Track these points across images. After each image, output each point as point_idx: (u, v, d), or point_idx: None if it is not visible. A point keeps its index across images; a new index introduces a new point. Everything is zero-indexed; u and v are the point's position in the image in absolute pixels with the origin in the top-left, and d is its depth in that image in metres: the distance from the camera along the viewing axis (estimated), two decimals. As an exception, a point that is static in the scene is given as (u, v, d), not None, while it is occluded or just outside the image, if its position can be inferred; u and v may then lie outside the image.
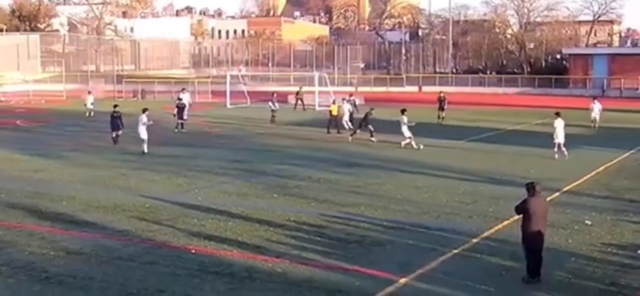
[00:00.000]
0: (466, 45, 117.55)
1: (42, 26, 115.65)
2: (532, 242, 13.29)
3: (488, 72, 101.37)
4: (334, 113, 39.22)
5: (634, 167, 27.87)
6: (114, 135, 33.34)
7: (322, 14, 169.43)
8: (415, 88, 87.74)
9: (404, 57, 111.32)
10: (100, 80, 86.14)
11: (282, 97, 54.05)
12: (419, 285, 13.28)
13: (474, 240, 16.29)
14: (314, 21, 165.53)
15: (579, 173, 25.47)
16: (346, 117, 40.02)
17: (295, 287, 13.07)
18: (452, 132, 35.52)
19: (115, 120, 33.29)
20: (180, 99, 41.97)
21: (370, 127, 34.75)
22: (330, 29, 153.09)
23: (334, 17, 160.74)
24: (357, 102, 46.81)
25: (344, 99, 42.24)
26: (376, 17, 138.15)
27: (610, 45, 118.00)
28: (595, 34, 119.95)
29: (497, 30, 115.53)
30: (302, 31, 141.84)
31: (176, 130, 39.07)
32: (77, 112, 50.23)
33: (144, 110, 31.40)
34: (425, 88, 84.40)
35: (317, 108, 54.04)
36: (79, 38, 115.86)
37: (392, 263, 14.54)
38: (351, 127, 39.14)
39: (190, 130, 39.86)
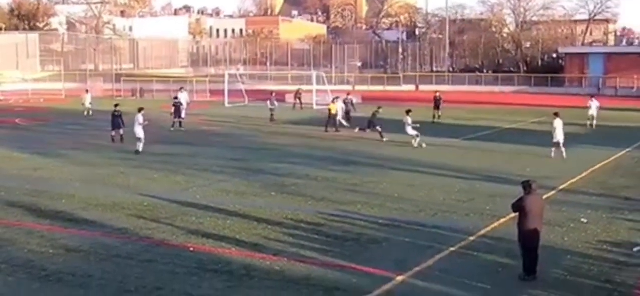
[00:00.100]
0: (463, 45, 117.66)
1: (41, 25, 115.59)
2: (529, 240, 13.33)
3: (485, 71, 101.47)
4: (333, 111, 39.31)
5: (629, 165, 27.97)
6: (114, 133, 33.44)
7: (320, 13, 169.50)
8: (412, 87, 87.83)
9: (401, 56, 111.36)
10: (99, 79, 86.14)
11: (281, 96, 54.09)
12: (415, 283, 13.33)
13: (471, 238, 16.35)
14: (312, 20, 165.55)
15: (575, 171, 25.54)
16: (340, 116, 40.09)
17: (293, 285, 13.12)
18: (448, 131, 35.63)
19: (116, 119, 33.38)
20: (176, 98, 42.08)
21: (379, 127, 34.59)
22: (328, 28, 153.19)
23: (332, 17, 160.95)
24: (355, 101, 46.85)
25: (338, 98, 42.37)
26: (373, 17, 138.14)
27: (606, 44, 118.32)
28: (591, 33, 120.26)
29: (494, 29, 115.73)
30: (299, 30, 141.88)
31: (173, 129, 39.11)
32: (76, 110, 50.25)
33: (140, 110, 31.35)
34: (422, 87, 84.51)
35: (315, 107, 54.08)
36: (77, 37, 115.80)
37: (389, 260, 14.59)
38: (346, 125, 39.28)
39: (189, 129, 39.90)
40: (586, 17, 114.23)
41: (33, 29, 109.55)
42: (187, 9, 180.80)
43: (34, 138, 36.66)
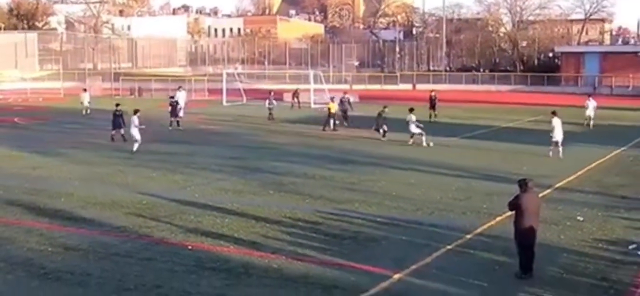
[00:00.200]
0: (460, 44, 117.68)
1: (39, 24, 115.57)
2: (525, 238, 13.40)
3: (481, 70, 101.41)
4: (333, 110, 39.42)
5: (625, 164, 28.07)
6: (114, 132, 33.47)
7: (317, 13, 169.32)
8: (409, 86, 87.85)
9: (398, 56, 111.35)
10: (98, 78, 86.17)
11: (278, 95, 54.14)
12: (413, 281, 13.40)
13: (468, 236, 16.42)
14: (309, 20, 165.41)
15: (571, 170, 25.62)
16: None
17: (291, 283, 13.19)
18: (445, 130, 35.67)
19: (117, 119, 33.41)
20: (172, 97, 42.14)
21: (385, 126, 34.47)
22: (325, 27, 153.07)
23: (329, 16, 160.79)
24: (352, 100, 46.90)
25: (334, 98, 42.52)
26: (371, 16, 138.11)
27: (601, 43, 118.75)
28: (586, 33, 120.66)
29: (490, 28, 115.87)
30: (297, 29, 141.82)
31: (170, 128, 39.17)
32: (74, 109, 50.24)
33: (136, 111, 31.20)
34: (419, 86, 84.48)
35: (312, 106, 54.13)
36: (76, 36, 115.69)
37: (386, 258, 14.66)
38: (343, 123, 39.36)
39: (187, 127, 39.95)
40: (582, 16, 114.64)
41: (32, 28, 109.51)
42: (185, 8, 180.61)
43: (33, 137, 36.68)
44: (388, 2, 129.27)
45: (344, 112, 41.30)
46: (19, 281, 13.35)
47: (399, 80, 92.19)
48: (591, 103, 42.08)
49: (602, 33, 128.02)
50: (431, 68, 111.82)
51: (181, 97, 46.53)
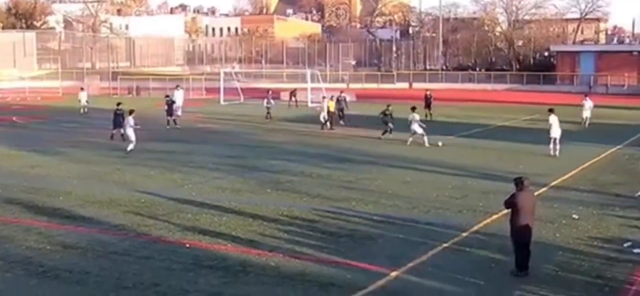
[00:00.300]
0: (456, 43, 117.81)
1: (38, 24, 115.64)
2: (521, 236, 13.47)
3: (477, 69, 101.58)
4: (331, 109, 39.53)
5: (620, 162, 28.17)
6: (115, 131, 33.47)
7: (315, 12, 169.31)
8: (406, 85, 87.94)
9: (394, 55, 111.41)
10: (96, 77, 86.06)
11: (275, 94, 54.21)
12: (409, 278, 13.45)
13: (464, 234, 16.49)
14: (307, 19, 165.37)
15: (566, 168, 25.71)
16: (325, 113, 40.38)
17: (288, 281, 13.24)
18: (442, 128, 35.71)
19: (118, 118, 33.38)
20: (167, 96, 42.20)
21: (390, 125, 34.30)
22: (323, 26, 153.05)
23: (326, 15, 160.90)
24: (348, 99, 46.99)
25: (324, 97, 42.67)
26: (367, 15, 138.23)
27: (596, 42, 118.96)
28: (582, 32, 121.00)
29: (486, 28, 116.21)
30: (294, 29, 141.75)
31: (168, 127, 39.23)
32: (72, 108, 50.21)
33: (131, 112, 31.09)
34: (415, 85, 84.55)
35: (309, 105, 54.21)
36: (74, 35, 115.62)
37: (383, 256, 14.73)
38: (338, 122, 39.44)
39: (185, 126, 39.98)
40: (577, 15, 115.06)
41: (30, 27, 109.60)
42: (183, 7, 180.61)
43: (31, 135, 36.70)
44: (385, 1, 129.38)
45: (341, 110, 41.44)
46: (17, 279, 13.38)
47: (395, 79, 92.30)
48: (588, 103, 41.99)
49: (597, 32, 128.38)
50: (428, 67, 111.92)
51: (179, 96, 46.62)
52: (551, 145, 28.96)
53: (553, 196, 20.88)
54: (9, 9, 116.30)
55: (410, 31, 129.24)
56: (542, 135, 29.98)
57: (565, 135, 29.98)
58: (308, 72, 62.50)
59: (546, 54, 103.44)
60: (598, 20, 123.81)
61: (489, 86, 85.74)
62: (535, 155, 29.03)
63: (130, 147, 29.86)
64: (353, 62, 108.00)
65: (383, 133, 34.15)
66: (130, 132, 30.27)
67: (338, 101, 42.03)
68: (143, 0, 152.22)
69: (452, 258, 14.80)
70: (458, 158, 28.51)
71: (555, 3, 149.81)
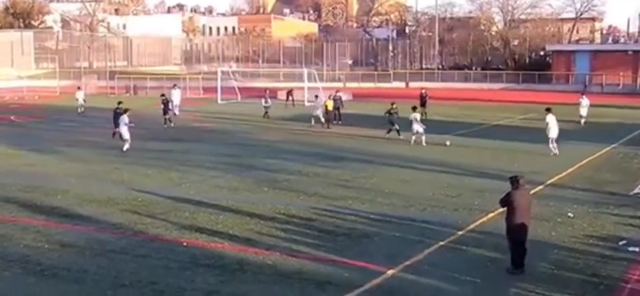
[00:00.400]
0: (452, 42, 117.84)
1: (35, 23, 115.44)
2: (516, 234, 13.54)
3: (473, 68, 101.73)
4: (329, 108, 39.59)
5: (615, 161, 28.28)
6: (116, 130, 33.38)
7: (311, 12, 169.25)
8: (402, 84, 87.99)
9: (391, 54, 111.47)
10: (93, 76, 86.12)
11: (272, 93, 54.21)
12: (405, 276, 13.51)
13: (460, 232, 16.57)
14: (303, 18, 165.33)
15: (562, 166, 25.81)
16: (319, 112, 40.47)
17: (285, 279, 13.30)
18: (438, 127, 35.78)
19: (118, 117, 33.34)
20: (163, 95, 42.21)
21: (396, 125, 34.13)
22: (319, 26, 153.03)
23: (323, 15, 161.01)
24: (344, 98, 47.07)
25: (316, 96, 42.72)
26: (364, 15, 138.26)
27: (592, 42, 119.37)
28: (577, 31, 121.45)
29: (482, 27, 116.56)
30: (291, 28, 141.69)
31: (165, 126, 39.27)
32: (70, 107, 50.14)
33: (125, 111, 30.99)
34: (412, 84, 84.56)
35: (306, 104, 54.23)
36: (72, 35, 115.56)
37: (379, 255, 14.79)
38: (323, 121, 39.58)
39: (182, 125, 40.03)
40: (573, 15, 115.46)
41: (28, 26, 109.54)
42: (180, 7, 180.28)
43: (29, 134, 36.70)
44: (381, 1, 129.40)
45: (337, 109, 41.51)
46: (15, 278, 13.42)
47: (392, 79, 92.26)
48: (584, 102, 42.01)
49: (592, 32, 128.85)
50: (424, 66, 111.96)
51: (176, 95, 46.71)
52: (550, 145, 28.89)
53: (549, 194, 20.98)
54: (6, 8, 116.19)
55: (407, 30, 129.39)
56: (537, 134, 30.04)
57: (562, 134, 30.04)
58: (305, 71, 62.47)
59: (542, 53, 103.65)
60: (593, 19, 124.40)
61: (485, 85, 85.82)
62: (531, 154, 29.12)
63: (126, 146, 29.82)
64: (350, 62, 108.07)
65: (388, 132, 34.08)
66: (125, 131, 30.19)
67: (334, 100, 42.09)
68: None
69: (449, 256, 14.86)
70: (454, 157, 28.56)
71: (551, 2, 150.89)
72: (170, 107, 41.26)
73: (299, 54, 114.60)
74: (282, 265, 14.09)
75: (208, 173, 24.68)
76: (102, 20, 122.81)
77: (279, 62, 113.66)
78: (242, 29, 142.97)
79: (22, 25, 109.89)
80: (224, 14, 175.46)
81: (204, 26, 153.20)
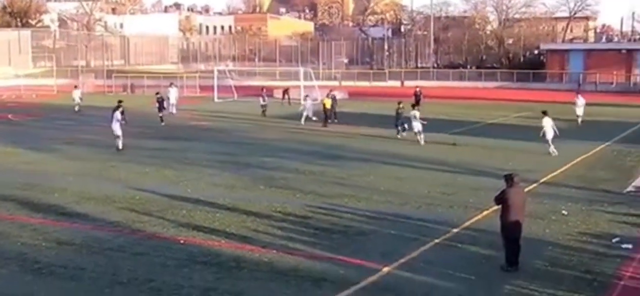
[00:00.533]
0: (447, 41, 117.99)
1: (33, 22, 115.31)
2: (511, 232, 13.60)
3: (468, 67, 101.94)
4: (327, 106, 39.68)
5: (608, 159, 28.39)
6: None
7: (307, 11, 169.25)
8: (397, 83, 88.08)
9: (386, 53, 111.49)
10: (91, 75, 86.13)
11: (268, 92, 54.27)
12: (401, 274, 13.57)
13: (455, 230, 16.64)
14: (299, 17, 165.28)
15: (556, 164, 25.92)
16: (310, 113, 40.57)
17: (281, 276, 13.35)
18: (433, 126, 35.89)
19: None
20: (158, 93, 42.25)
21: (405, 124, 34.14)
22: (315, 25, 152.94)
23: (319, 14, 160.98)
24: (338, 97, 47.18)
25: (307, 96, 42.79)
26: (359, 14, 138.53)
27: (585, 40, 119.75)
28: (571, 30, 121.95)
29: (477, 26, 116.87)
30: (287, 27, 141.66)
31: (163, 124, 39.34)
32: (67, 106, 50.14)
33: (118, 107, 30.65)
34: (407, 83, 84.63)
35: (302, 102, 54.23)
36: (69, 34, 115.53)
37: (375, 252, 14.86)
38: (314, 120, 39.76)
39: (179, 124, 40.10)
40: (567, 14, 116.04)
41: (25, 25, 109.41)
42: (177, 6, 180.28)
43: (27, 133, 36.74)
44: (377, 0, 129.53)
45: (333, 107, 41.56)
46: (12, 275, 13.46)
47: (387, 77, 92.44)
48: (580, 101, 41.93)
49: (586, 31, 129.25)
50: (419, 65, 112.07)
51: (173, 93, 46.76)
52: (550, 149, 28.64)
53: (543, 192, 21.06)
54: (4, 7, 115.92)
55: (402, 29, 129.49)
56: (532, 133, 30.10)
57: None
58: (301, 70, 62.52)
59: (536, 52, 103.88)
60: (587, 18, 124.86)
61: (479, 84, 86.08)
62: (526, 152, 29.21)
63: (119, 143, 29.60)
64: (345, 60, 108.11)
65: (398, 133, 34.05)
66: (116, 127, 29.95)
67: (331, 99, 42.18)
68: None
69: (443, 253, 14.93)
70: (449, 155, 28.68)
71: (545, 2, 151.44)
72: (164, 105, 41.31)
73: (295, 52, 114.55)
74: (278, 263, 14.13)
75: (205, 171, 24.72)
76: (99, 19, 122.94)
77: (275, 60, 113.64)
78: (239, 28, 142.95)
79: (19, 24, 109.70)
80: (220, 13, 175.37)
81: (200, 25, 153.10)
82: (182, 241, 15.60)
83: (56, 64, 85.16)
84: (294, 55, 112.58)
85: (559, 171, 24.86)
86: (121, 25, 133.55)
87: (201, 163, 26.49)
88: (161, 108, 40.33)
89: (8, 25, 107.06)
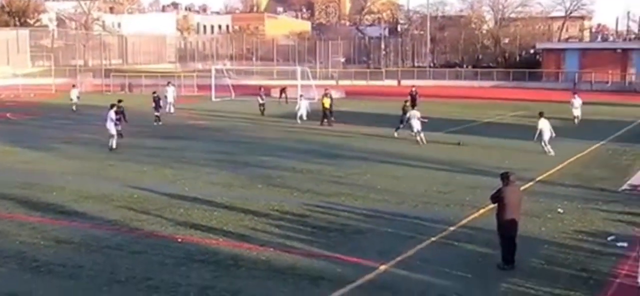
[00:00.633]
0: (443, 40, 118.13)
1: (31, 21, 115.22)
2: (507, 230, 13.64)
3: (464, 66, 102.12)
4: (326, 105, 39.75)
5: (604, 158, 28.48)
6: (118, 129, 33.36)
7: (304, 10, 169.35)
8: (394, 82, 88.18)
9: (383, 52, 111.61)
10: (89, 74, 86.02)
11: (266, 91, 54.32)
12: (397, 272, 13.61)
13: (451, 228, 16.69)
14: (297, 17, 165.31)
15: (552, 163, 26.01)
16: (303, 112, 40.63)
17: (279, 274, 13.39)
18: (429, 124, 35.95)
19: (118, 115, 33.30)
20: (154, 92, 42.26)
21: (402, 124, 34.02)
22: (312, 24, 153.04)
23: (316, 13, 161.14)
24: (334, 96, 47.24)
25: (301, 96, 42.80)
26: (356, 13, 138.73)
27: (581, 40, 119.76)
28: (567, 30, 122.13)
29: (473, 25, 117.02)
30: (284, 26, 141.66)
31: (161, 123, 39.36)
32: (65, 105, 50.01)
33: (112, 106, 30.62)
34: (404, 82, 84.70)
35: (298, 101, 54.28)
36: (67, 33, 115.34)
37: (372, 250, 14.89)
38: (305, 119, 39.84)
39: (177, 122, 40.13)
40: (562, 13, 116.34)
41: (23, 25, 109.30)
42: (175, 5, 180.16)
43: (25, 132, 36.72)
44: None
45: (330, 107, 41.59)
46: (11, 273, 13.49)
47: (384, 76, 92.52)
48: (577, 102, 41.78)
49: (581, 30, 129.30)
50: (416, 64, 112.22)
51: (170, 92, 46.77)
52: (545, 148, 28.65)
53: (539, 190, 21.13)
54: (2, 7, 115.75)
55: (399, 29, 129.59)
56: (528, 131, 30.13)
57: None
58: (298, 69, 62.64)
59: (532, 51, 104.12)
60: (582, 18, 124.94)
61: (475, 83, 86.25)
62: (522, 151, 29.27)
63: (114, 143, 29.50)
64: (342, 60, 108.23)
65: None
66: (111, 126, 29.87)
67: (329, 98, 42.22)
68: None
69: (440, 252, 14.97)
70: (446, 154, 28.76)
71: (541, 1, 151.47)
72: (161, 104, 41.33)
73: (292, 52, 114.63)
74: (276, 261, 14.17)
75: (202, 170, 24.75)
76: (97, 19, 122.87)
77: (272, 60, 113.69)
78: (236, 27, 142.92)
79: (17, 23, 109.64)
80: (218, 13, 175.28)
81: (198, 24, 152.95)
82: (179, 240, 15.63)
83: (54, 63, 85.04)
84: (292, 55, 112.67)
85: (554, 169, 24.94)
86: (119, 25, 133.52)
87: (199, 162, 26.52)
88: (157, 107, 40.30)
89: (6, 25, 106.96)
